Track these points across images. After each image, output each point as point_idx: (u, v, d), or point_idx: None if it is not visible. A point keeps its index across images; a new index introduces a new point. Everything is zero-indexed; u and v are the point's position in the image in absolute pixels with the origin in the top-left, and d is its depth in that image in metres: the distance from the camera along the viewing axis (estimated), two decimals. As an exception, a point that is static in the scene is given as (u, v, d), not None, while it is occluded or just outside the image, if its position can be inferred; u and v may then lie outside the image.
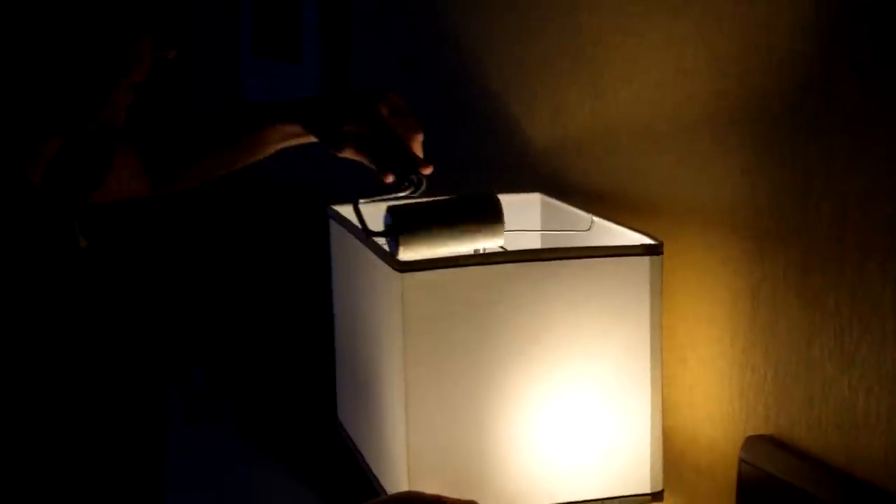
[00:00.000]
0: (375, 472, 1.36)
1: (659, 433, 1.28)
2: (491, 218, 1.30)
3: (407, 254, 1.27)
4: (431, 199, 1.32)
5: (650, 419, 1.27)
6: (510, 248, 1.36)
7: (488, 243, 1.31)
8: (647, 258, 1.25)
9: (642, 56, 1.39)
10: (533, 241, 1.48)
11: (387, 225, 1.28)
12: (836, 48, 1.13)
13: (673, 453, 1.36)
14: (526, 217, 1.51)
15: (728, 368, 1.29)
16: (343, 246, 1.43)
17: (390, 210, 1.29)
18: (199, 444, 2.30)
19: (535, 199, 1.52)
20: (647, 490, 1.29)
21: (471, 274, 1.22)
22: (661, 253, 1.26)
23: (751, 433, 1.25)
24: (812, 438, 1.18)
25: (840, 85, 1.13)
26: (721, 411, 1.30)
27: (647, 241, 1.27)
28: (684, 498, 1.37)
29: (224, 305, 2.79)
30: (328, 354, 1.55)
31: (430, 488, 1.23)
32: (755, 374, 1.25)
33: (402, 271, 1.21)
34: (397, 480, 1.26)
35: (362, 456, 1.41)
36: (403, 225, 1.27)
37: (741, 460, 1.24)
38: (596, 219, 1.38)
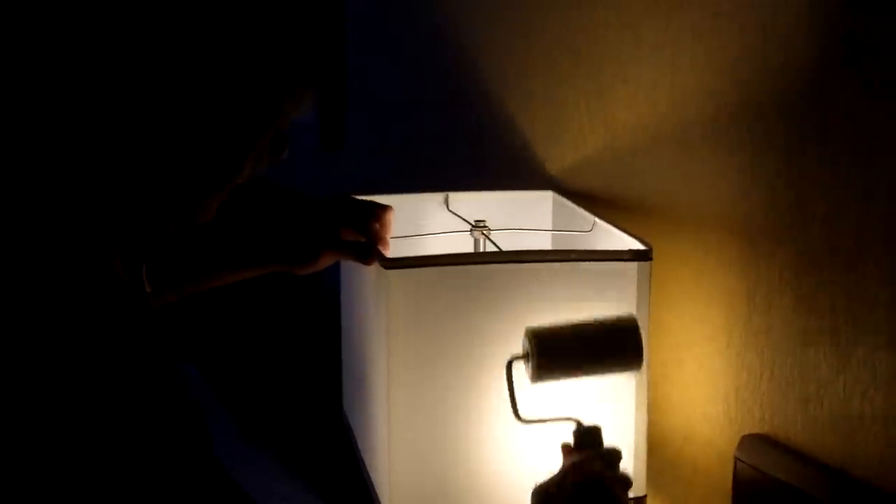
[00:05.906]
0: (367, 466, 1.36)
1: (644, 439, 1.27)
2: (631, 351, 1.17)
3: (540, 380, 1.17)
4: (573, 324, 1.18)
5: (634, 425, 1.26)
6: (521, 243, 1.35)
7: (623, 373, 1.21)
8: (635, 264, 1.24)
9: (640, 54, 1.39)
10: (544, 237, 1.50)
11: (525, 349, 1.17)
12: (832, 47, 1.12)
13: (669, 452, 1.36)
14: (538, 213, 1.52)
15: (724, 368, 1.28)
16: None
17: (529, 334, 1.16)
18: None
19: (547, 196, 1.53)
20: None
21: (456, 273, 1.22)
22: (650, 258, 1.25)
23: (746, 433, 1.25)
24: (807, 438, 1.18)
25: (836, 84, 1.12)
26: (717, 411, 1.30)
27: (637, 246, 1.26)
28: (680, 496, 1.37)
29: (220, 301, 2.79)
30: (330, 350, 1.55)
31: (411, 488, 1.23)
32: (751, 374, 1.25)
33: (388, 268, 1.21)
34: (382, 476, 1.26)
35: (358, 448, 1.42)
36: (543, 352, 1.15)
37: (736, 459, 1.23)
38: (597, 220, 1.38)
